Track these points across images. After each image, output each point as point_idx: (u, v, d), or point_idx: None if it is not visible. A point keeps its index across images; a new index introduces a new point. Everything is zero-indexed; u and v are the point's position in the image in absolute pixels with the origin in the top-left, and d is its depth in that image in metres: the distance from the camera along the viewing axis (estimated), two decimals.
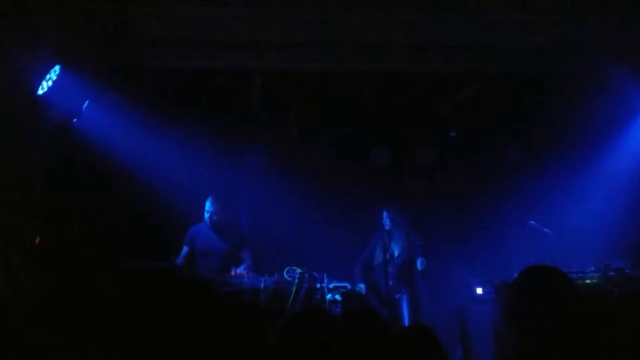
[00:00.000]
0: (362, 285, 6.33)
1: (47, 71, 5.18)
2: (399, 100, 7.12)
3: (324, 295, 5.71)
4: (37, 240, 5.38)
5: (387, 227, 6.65)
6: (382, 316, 3.01)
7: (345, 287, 5.86)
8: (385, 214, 6.66)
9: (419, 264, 6.42)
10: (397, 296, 6.58)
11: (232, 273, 5.83)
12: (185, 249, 6.22)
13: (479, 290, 6.17)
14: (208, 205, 6.14)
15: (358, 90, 6.85)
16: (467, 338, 6.19)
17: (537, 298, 2.08)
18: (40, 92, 5.14)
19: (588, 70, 6.21)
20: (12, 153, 4.82)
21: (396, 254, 6.62)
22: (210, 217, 6.14)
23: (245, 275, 5.77)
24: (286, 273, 5.82)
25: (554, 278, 2.15)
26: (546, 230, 6.48)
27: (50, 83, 5.22)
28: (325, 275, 5.85)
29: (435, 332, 3.10)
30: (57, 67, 5.26)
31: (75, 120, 5.88)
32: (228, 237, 6.23)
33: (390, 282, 6.58)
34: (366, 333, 2.82)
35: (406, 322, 6.40)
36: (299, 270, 5.79)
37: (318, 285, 5.81)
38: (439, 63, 6.24)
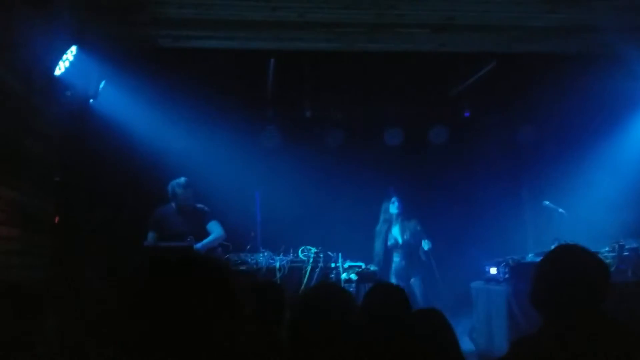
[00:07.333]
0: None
1: (64, 52, 5.20)
2: (413, 80, 7.09)
3: (338, 275, 5.77)
4: (55, 220, 5.44)
5: (397, 212, 6.77)
6: (404, 292, 3.01)
7: (360, 267, 5.90)
8: (395, 199, 6.80)
9: (425, 244, 6.48)
10: (412, 280, 6.64)
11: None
12: (151, 234, 5.90)
13: (493, 271, 6.14)
14: (180, 191, 5.88)
15: (372, 70, 6.82)
16: (480, 318, 6.20)
17: (569, 276, 2.08)
18: (57, 72, 5.17)
19: (603, 51, 6.16)
20: (31, 133, 4.86)
21: (407, 237, 6.71)
22: (178, 202, 5.92)
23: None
24: (301, 252, 5.88)
25: (586, 257, 2.15)
26: (561, 210, 6.45)
27: (67, 64, 5.24)
28: (340, 254, 5.90)
29: (445, 315, 3.10)
30: (74, 48, 5.27)
31: (92, 100, 5.91)
32: (196, 219, 5.95)
33: (404, 265, 6.70)
34: (390, 307, 2.85)
35: (421, 305, 6.43)
36: (313, 250, 5.85)
37: (333, 265, 5.86)
38: (454, 43, 6.22)
